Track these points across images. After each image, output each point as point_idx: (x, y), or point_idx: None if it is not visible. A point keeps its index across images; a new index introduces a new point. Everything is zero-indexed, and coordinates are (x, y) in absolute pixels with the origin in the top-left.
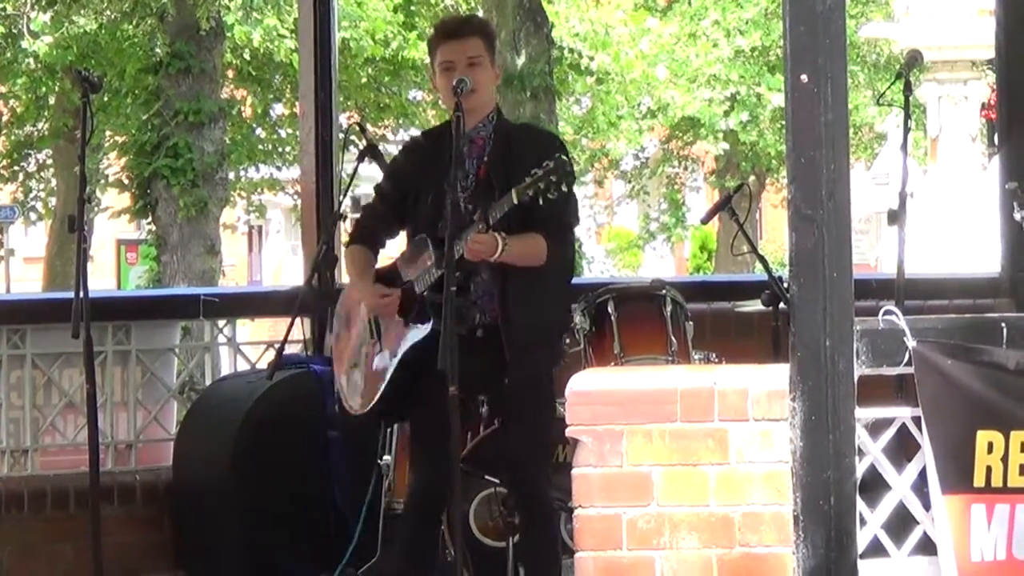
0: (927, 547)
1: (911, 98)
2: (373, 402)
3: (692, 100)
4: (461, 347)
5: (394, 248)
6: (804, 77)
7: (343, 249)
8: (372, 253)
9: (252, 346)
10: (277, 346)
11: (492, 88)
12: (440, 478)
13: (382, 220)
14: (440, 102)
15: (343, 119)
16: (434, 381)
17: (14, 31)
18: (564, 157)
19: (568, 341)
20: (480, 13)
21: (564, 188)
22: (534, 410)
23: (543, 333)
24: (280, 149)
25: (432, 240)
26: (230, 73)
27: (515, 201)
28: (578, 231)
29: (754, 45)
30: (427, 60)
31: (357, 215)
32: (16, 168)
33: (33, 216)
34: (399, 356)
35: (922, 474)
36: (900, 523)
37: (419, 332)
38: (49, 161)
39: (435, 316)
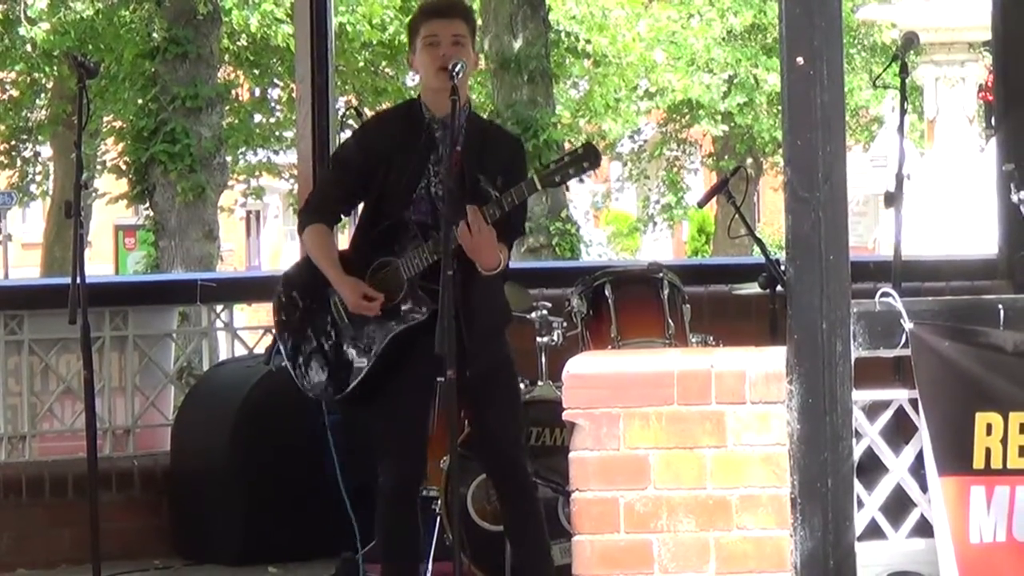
0: (924, 529)
1: (908, 80)
2: (345, 392)
3: (691, 84)
4: (423, 331)
5: None
6: (800, 59)
7: (306, 227)
8: (331, 230)
9: (250, 331)
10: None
11: (470, 78)
12: (415, 463)
13: (346, 193)
14: (412, 78)
15: (340, 103)
16: (411, 368)
17: (11, 17)
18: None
19: (565, 324)
20: None
21: (586, 174)
22: (507, 394)
23: (499, 321)
24: (277, 133)
25: (418, 225)
26: (226, 57)
27: (538, 187)
28: (576, 215)
29: (746, 25)
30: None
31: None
32: (13, 154)
33: (29, 200)
34: (380, 348)
35: (919, 456)
36: (898, 505)
37: (404, 325)
38: (46, 146)
39: (432, 301)
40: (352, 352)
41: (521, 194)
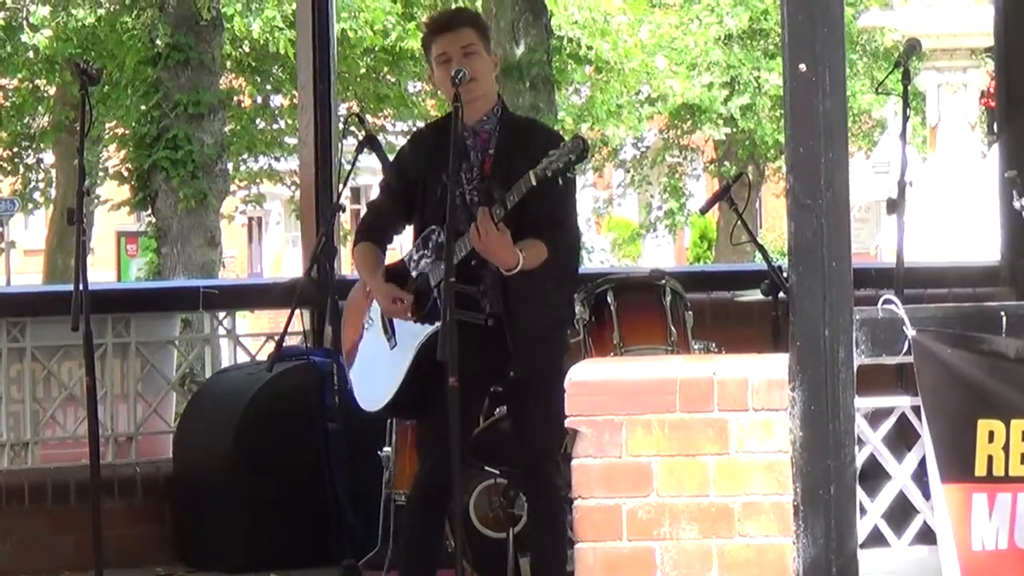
0: (927, 536)
1: (910, 86)
2: (387, 400)
3: (692, 86)
4: (472, 336)
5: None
6: (802, 66)
7: (351, 246)
8: (380, 249)
9: (252, 338)
10: (277, 338)
11: (492, 78)
12: (443, 470)
13: (389, 215)
14: (441, 94)
15: (342, 109)
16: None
17: (14, 24)
18: (578, 135)
19: (569, 332)
20: (479, 3)
21: (575, 168)
22: (544, 403)
23: (545, 326)
24: (279, 140)
25: (459, 233)
26: (228, 64)
27: (533, 182)
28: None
29: (742, 28)
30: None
31: (357, 206)
32: (16, 161)
33: (32, 207)
34: (413, 355)
35: (922, 463)
36: (900, 512)
37: (429, 329)
38: (49, 153)
39: (459, 306)
40: (398, 359)
41: (520, 191)
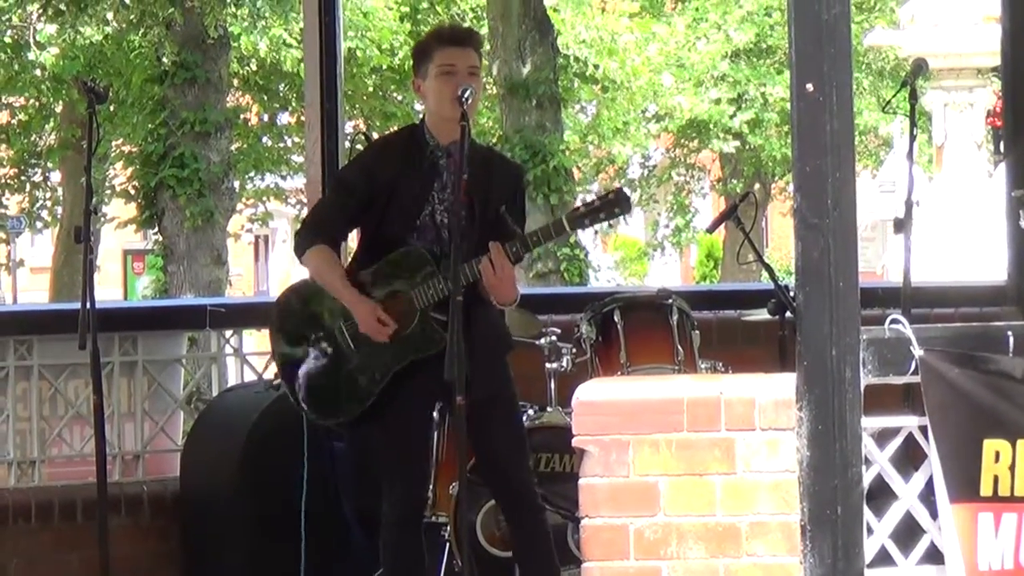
0: (934, 556)
1: (916, 106)
2: (351, 417)
3: (699, 102)
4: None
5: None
6: (810, 86)
7: (307, 248)
8: (334, 251)
9: (259, 356)
10: None
11: (477, 104)
12: (418, 488)
13: (348, 217)
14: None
15: (349, 127)
16: (412, 393)
17: (20, 42)
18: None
19: (574, 350)
20: (486, 21)
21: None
22: (509, 419)
23: (501, 349)
24: (286, 158)
25: (432, 255)
26: (235, 82)
27: (567, 229)
28: (584, 240)
29: (749, 43)
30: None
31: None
32: (23, 178)
33: (39, 224)
34: (390, 376)
35: (929, 483)
36: (907, 532)
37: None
38: (56, 172)
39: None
40: (361, 379)
41: (548, 235)
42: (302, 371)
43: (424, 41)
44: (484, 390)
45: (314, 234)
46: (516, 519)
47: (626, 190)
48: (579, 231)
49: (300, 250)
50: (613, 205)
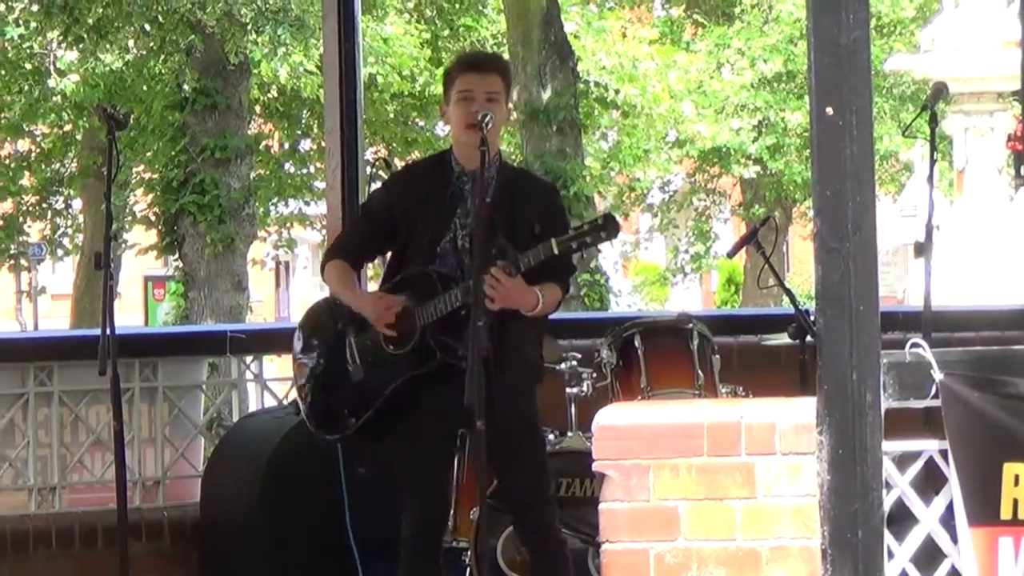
0: None
1: (937, 130)
2: (350, 429)
3: (720, 130)
4: (443, 379)
5: None
6: (829, 110)
7: (328, 263)
8: (352, 269)
9: (279, 382)
10: None
11: (501, 129)
12: (436, 508)
13: (369, 242)
14: (442, 128)
15: (369, 154)
16: (430, 416)
17: (41, 69)
18: (612, 215)
19: (595, 375)
20: (507, 47)
21: (609, 243)
22: (534, 449)
23: (531, 379)
24: (309, 184)
25: (440, 276)
26: (257, 109)
27: (555, 251)
28: (605, 264)
29: (777, 72)
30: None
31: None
32: (44, 205)
33: (60, 251)
34: (389, 392)
35: (950, 507)
36: (928, 556)
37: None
38: (77, 199)
39: (443, 353)
40: (360, 394)
41: (538, 256)
42: (309, 384)
43: (449, 67)
44: (509, 419)
45: (334, 253)
46: (536, 552)
47: (645, 214)
48: (566, 251)
49: (322, 268)
50: (600, 229)
